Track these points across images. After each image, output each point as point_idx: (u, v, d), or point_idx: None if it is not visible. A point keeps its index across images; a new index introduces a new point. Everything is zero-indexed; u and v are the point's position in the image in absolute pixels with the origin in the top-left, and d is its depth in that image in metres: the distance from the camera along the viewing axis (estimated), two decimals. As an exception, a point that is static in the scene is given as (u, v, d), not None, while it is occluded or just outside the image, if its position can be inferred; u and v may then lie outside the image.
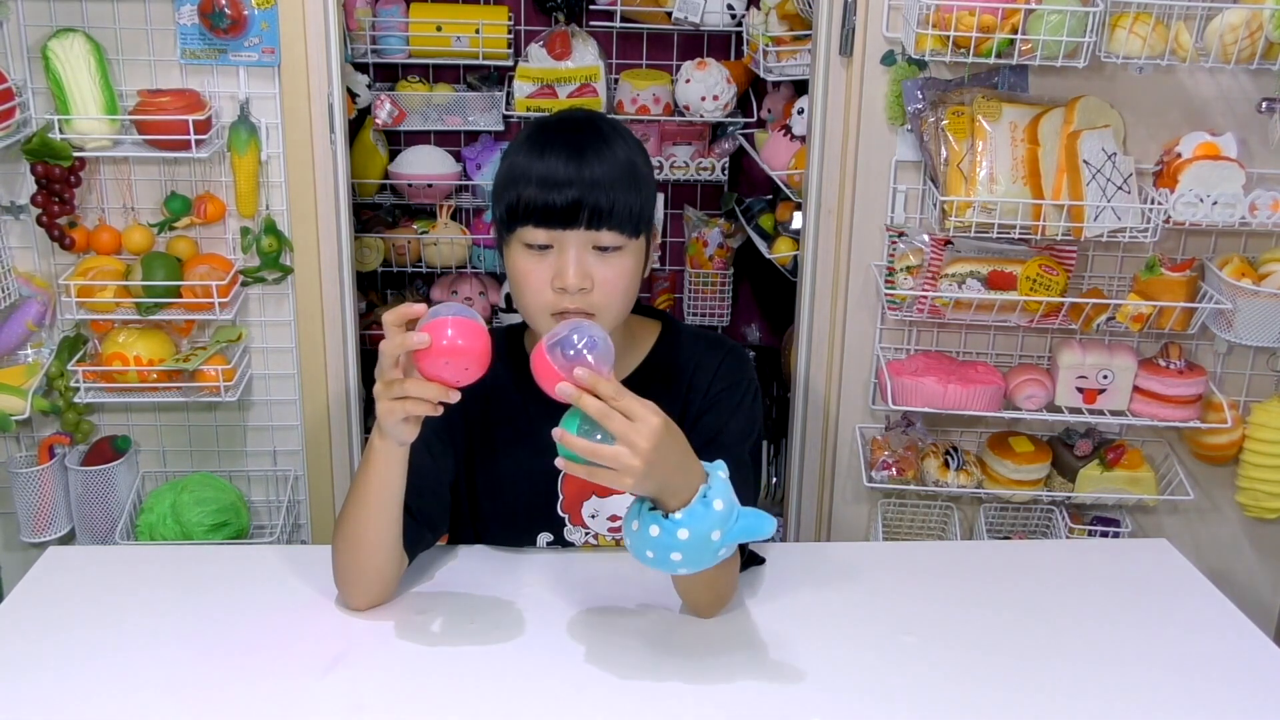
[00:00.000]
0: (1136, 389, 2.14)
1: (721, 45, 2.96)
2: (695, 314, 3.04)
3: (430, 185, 2.84)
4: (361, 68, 2.73)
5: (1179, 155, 2.02)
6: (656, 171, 2.80)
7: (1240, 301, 2.04)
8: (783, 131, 2.58)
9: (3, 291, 2.06)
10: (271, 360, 2.26)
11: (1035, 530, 2.35)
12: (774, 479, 2.80)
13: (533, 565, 1.53)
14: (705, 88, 2.72)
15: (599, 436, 1.19)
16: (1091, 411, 2.15)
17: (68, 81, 2.01)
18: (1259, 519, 2.24)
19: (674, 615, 1.41)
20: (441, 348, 1.22)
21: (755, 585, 1.48)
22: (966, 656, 1.35)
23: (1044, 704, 1.27)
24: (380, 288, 3.03)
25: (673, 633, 1.38)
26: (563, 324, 1.25)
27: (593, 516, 1.57)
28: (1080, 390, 2.14)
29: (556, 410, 1.22)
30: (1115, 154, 1.99)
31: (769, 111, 2.81)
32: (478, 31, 2.72)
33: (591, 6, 2.84)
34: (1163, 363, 2.13)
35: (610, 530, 1.57)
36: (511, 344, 1.57)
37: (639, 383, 1.42)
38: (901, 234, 2.12)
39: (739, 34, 2.85)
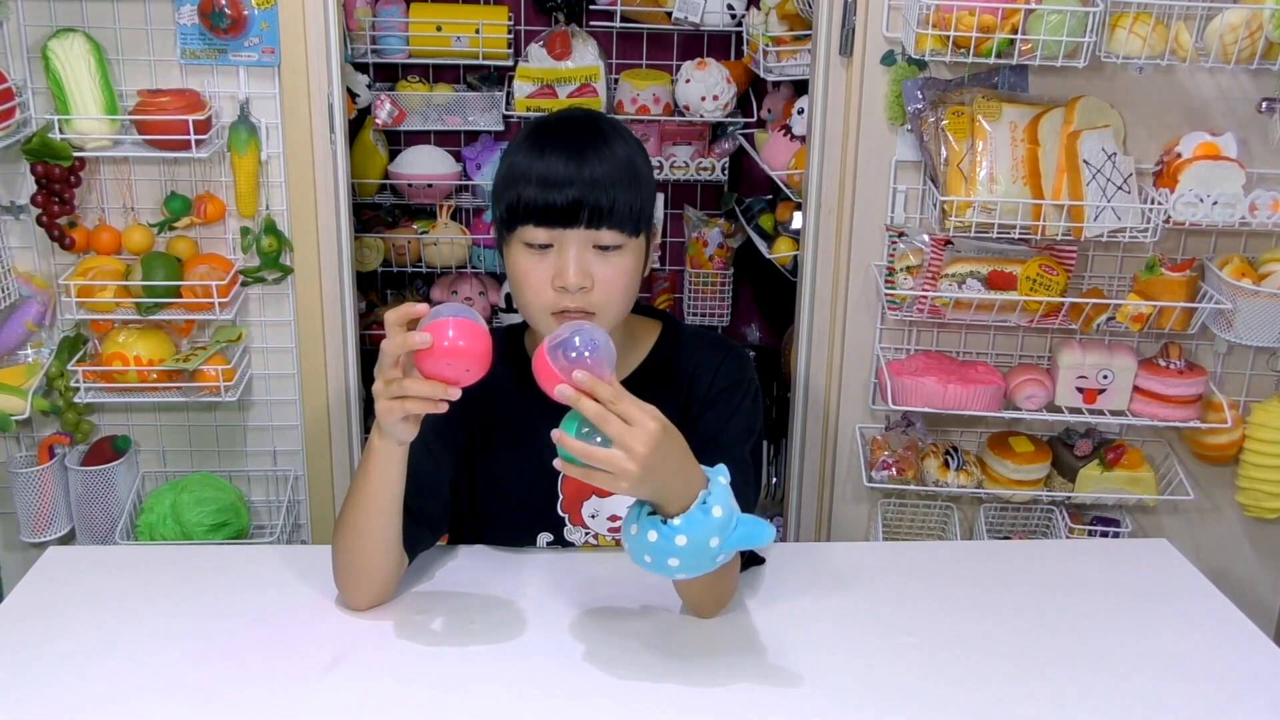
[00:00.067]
0: (1136, 389, 2.14)
1: (721, 45, 2.96)
2: (695, 314, 3.04)
3: (430, 185, 2.84)
4: (361, 68, 2.73)
5: (1179, 155, 2.02)
6: (656, 171, 2.80)
7: (1240, 301, 2.04)
8: (783, 131, 2.58)
9: (3, 291, 2.06)
10: (271, 360, 2.26)
11: (1035, 530, 2.35)
12: (774, 479, 2.80)
13: (533, 565, 1.53)
14: (705, 88, 2.72)
15: (599, 440, 1.19)
16: (1091, 411, 2.15)
17: (68, 81, 2.01)
18: (1259, 519, 2.24)
19: (674, 616, 1.41)
20: (443, 348, 1.22)
21: (755, 585, 1.48)
22: (966, 657, 1.35)
23: (1044, 704, 1.27)
24: (380, 288, 3.03)
25: (673, 633, 1.38)
26: (565, 326, 1.24)
27: (593, 516, 1.57)
28: (1080, 390, 2.14)
29: (556, 410, 1.22)
30: (1115, 154, 1.99)
31: (769, 111, 2.81)
32: (478, 31, 2.72)
33: (591, 6, 2.84)
34: (1163, 363, 2.13)
35: (610, 530, 1.57)
36: (512, 344, 1.57)
37: (639, 383, 1.43)
38: (901, 234, 2.12)
39: (739, 34, 2.85)
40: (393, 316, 1.25)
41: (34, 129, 2.04)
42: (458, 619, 1.41)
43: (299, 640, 1.36)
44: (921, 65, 2.07)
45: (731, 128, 2.89)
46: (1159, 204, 1.99)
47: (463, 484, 1.57)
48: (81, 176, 2.10)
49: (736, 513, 1.24)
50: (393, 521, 1.38)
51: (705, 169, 2.90)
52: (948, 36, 1.92)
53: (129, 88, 2.08)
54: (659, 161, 2.88)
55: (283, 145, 2.14)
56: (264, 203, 2.17)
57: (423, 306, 1.26)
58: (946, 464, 2.20)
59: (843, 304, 2.23)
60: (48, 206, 2.08)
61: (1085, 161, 1.96)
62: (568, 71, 2.71)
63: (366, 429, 2.24)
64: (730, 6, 2.76)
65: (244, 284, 2.19)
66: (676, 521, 1.21)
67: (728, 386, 1.53)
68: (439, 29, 2.73)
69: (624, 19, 2.84)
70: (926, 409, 2.15)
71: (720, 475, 1.25)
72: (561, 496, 1.56)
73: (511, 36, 2.78)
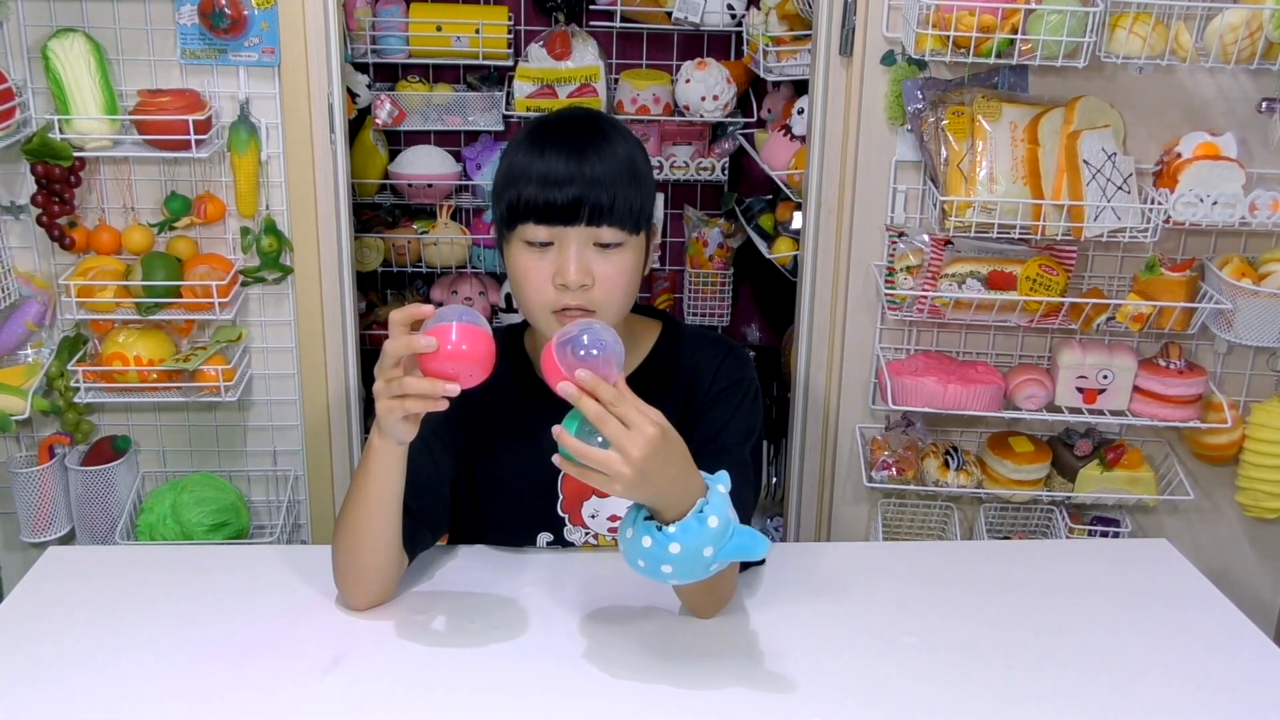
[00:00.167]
0: (1136, 389, 2.14)
1: (721, 45, 2.96)
2: (695, 314, 3.04)
3: (430, 185, 2.84)
4: (361, 68, 2.73)
5: (1179, 155, 2.02)
6: (656, 171, 2.80)
7: (1240, 301, 2.04)
8: (783, 131, 2.58)
9: (3, 291, 2.06)
10: (271, 360, 2.26)
11: (1035, 530, 2.35)
12: (774, 479, 2.80)
13: (533, 565, 1.53)
14: (705, 88, 2.72)
15: (598, 440, 1.19)
16: (1091, 411, 2.15)
17: (68, 81, 2.01)
18: (1259, 519, 2.24)
19: (673, 616, 1.41)
20: (446, 352, 1.22)
21: (755, 586, 1.48)
22: (966, 657, 1.35)
23: (1044, 704, 1.27)
24: (380, 288, 3.03)
25: (672, 633, 1.38)
26: (574, 324, 1.24)
27: (593, 516, 1.57)
28: (1080, 390, 2.14)
29: (556, 410, 1.22)
30: (1115, 154, 1.99)
31: (769, 111, 2.81)
32: (478, 31, 2.72)
33: (591, 6, 2.84)
34: (1163, 363, 2.13)
35: (610, 530, 1.57)
36: (512, 344, 1.57)
37: (639, 382, 1.42)
38: (901, 234, 2.12)
39: (739, 34, 2.85)
40: (397, 316, 1.25)
41: (34, 129, 2.05)
42: (458, 619, 1.41)
43: (299, 640, 1.36)
44: (921, 65, 2.07)
45: (731, 128, 2.89)
46: (1159, 204, 1.99)
47: (463, 484, 1.57)
48: (81, 176, 2.10)
49: (734, 523, 1.23)
50: (392, 521, 1.38)
51: (705, 169, 2.90)
52: (948, 36, 1.92)
53: (129, 88, 2.08)
54: (659, 161, 2.88)
55: (283, 145, 2.14)
56: (264, 203, 2.17)
57: (428, 308, 1.26)
58: (946, 464, 2.20)
59: (843, 304, 2.23)
60: (48, 206, 2.08)
61: (1085, 161, 1.96)
62: (568, 71, 2.71)
63: (366, 429, 2.24)
64: (730, 6, 2.76)
65: (244, 284, 2.19)
66: (672, 529, 1.21)
67: (728, 386, 1.53)
68: (439, 29, 2.73)
69: (624, 19, 2.84)
70: (926, 409, 2.15)
71: (720, 483, 1.25)
72: (561, 496, 1.56)
73: (511, 36, 2.78)
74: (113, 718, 1.22)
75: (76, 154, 2.05)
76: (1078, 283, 2.17)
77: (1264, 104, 2.05)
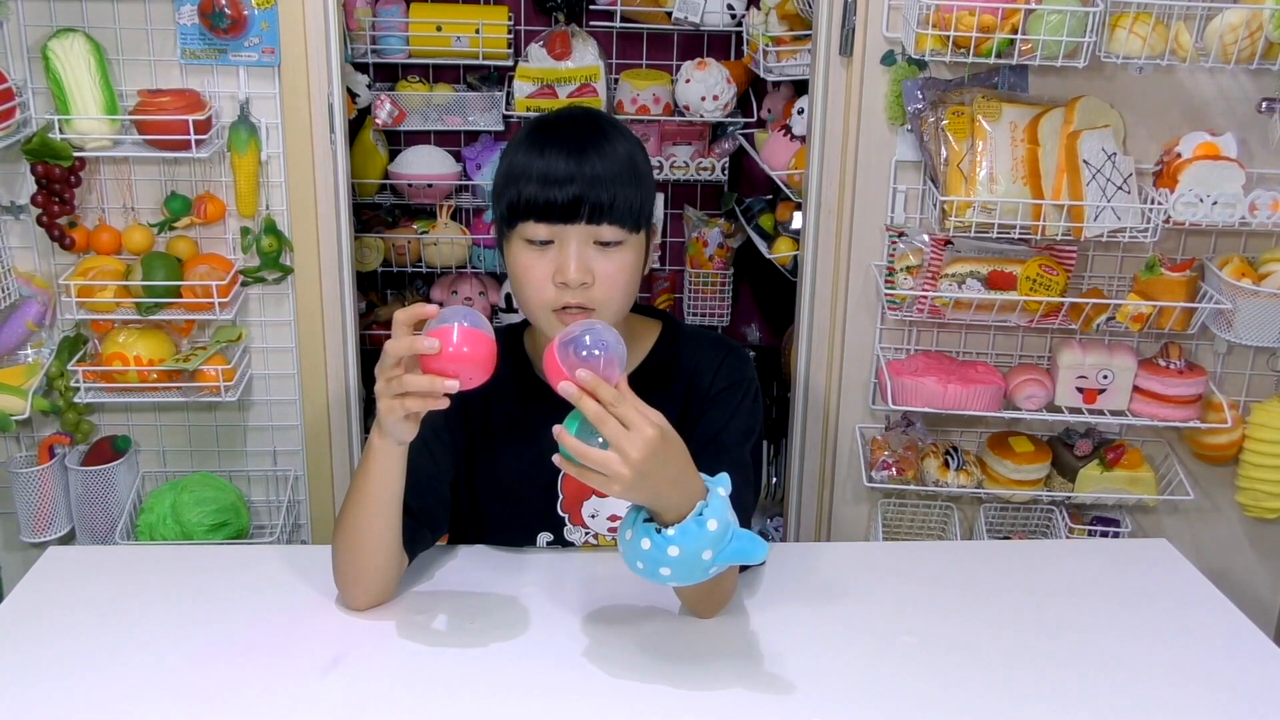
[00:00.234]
0: (1136, 389, 2.14)
1: (721, 45, 2.96)
2: (695, 314, 3.04)
3: (430, 185, 2.84)
4: (361, 68, 2.73)
5: (1179, 155, 2.02)
6: (656, 171, 2.80)
7: (1240, 301, 2.04)
8: (783, 131, 2.58)
9: (3, 291, 2.06)
10: (271, 360, 2.26)
11: (1035, 530, 2.35)
12: (774, 479, 2.80)
13: (533, 565, 1.53)
14: (705, 88, 2.72)
15: (599, 440, 1.19)
16: (1091, 411, 2.15)
17: (68, 81, 2.01)
18: (1259, 519, 2.24)
19: (673, 616, 1.41)
20: (447, 354, 1.22)
21: (755, 585, 1.48)
22: (966, 657, 1.35)
23: (1043, 704, 1.27)
24: (380, 288, 3.03)
25: (672, 633, 1.38)
26: (576, 324, 1.24)
27: (593, 516, 1.57)
28: (1080, 390, 2.14)
29: (557, 410, 1.22)
30: (1115, 154, 1.99)
31: (769, 111, 2.81)
32: (478, 31, 2.72)
33: (591, 6, 2.84)
34: (1163, 363, 2.13)
35: (610, 530, 1.57)
36: (512, 343, 1.57)
37: (639, 382, 1.42)
38: (901, 234, 2.12)
39: (739, 34, 2.85)
40: (402, 316, 1.25)
41: (34, 129, 2.05)
42: (458, 619, 1.41)
43: (299, 640, 1.36)
44: (921, 65, 2.07)
45: (731, 128, 2.89)
46: (1159, 204, 1.99)
47: (463, 484, 1.57)
48: (81, 176, 2.10)
49: (733, 526, 1.23)
50: (392, 521, 1.38)
51: (705, 169, 2.90)
52: (948, 36, 1.92)
53: (129, 88, 2.08)
54: (659, 161, 2.88)
55: (283, 145, 2.14)
56: (264, 203, 2.17)
57: (432, 308, 1.26)
58: (946, 464, 2.20)
59: (843, 304, 2.23)
60: (48, 206, 2.08)
61: (1085, 161, 1.96)
62: (568, 71, 2.71)
63: (366, 429, 2.24)
64: (730, 6, 2.76)
65: (244, 284, 2.19)
66: (671, 532, 1.21)
67: (728, 386, 1.53)
68: (439, 29, 2.73)
69: (624, 19, 2.84)
70: (926, 409, 2.15)
71: (720, 486, 1.25)
72: (561, 496, 1.56)
73: (511, 36, 2.78)
74: (113, 718, 1.22)
75: (76, 154, 2.05)
76: (1078, 283, 2.17)
77: (1264, 104, 2.05)
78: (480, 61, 2.78)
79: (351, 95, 2.58)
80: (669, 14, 2.78)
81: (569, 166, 1.38)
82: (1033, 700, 1.28)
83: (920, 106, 2.07)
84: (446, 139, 2.96)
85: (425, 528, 1.46)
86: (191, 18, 2.05)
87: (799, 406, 2.30)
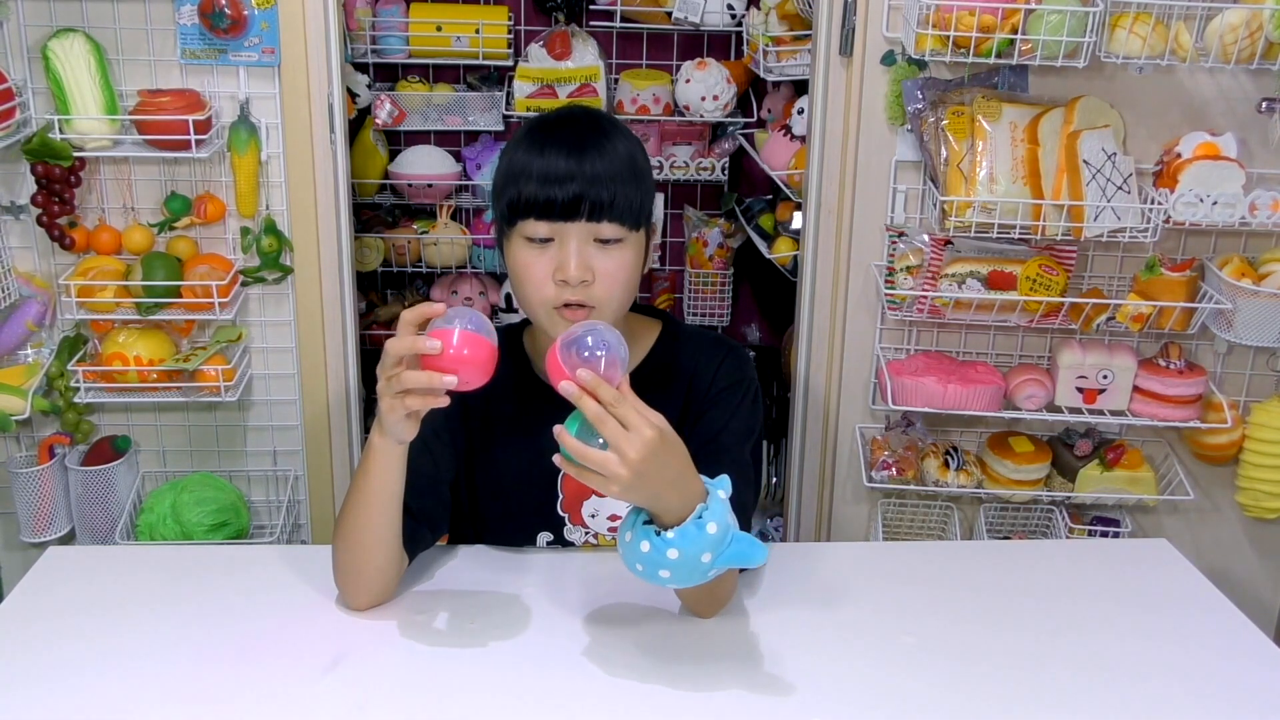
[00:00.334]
0: (1136, 389, 2.14)
1: (721, 45, 2.96)
2: (695, 314, 3.04)
3: (430, 185, 2.84)
4: (361, 68, 2.73)
5: (1179, 155, 2.02)
6: (656, 171, 2.80)
7: (1240, 301, 2.04)
8: (783, 131, 2.58)
9: (3, 291, 2.06)
10: (271, 360, 2.26)
11: (1035, 530, 2.35)
12: (774, 479, 2.80)
13: (533, 565, 1.53)
14: (705, 88, 2.72)
15: (599, 441, 1.19)
16: (1091, 411, 2.15)
17: (68, 81, 2.01)
18: (1259, 519, 2.24)
19: (673, 616, 1.41)
20: (448, 356, 1.22)
21: (755, 585, 1.48)
22: (966, 657, 1.35)
23: (1043, 704, 1.27)
24: (380, 288, 3.03)
25: (672, 633, 1.38)
26: (579, 325, 1.25)
27: (593, 516, 1.57)
28: (1080, 390, 2.14)
29: (557, 410, 1.22)
30: (1115, 154, 1.99)
31: (769, 111, 2.81)
32: (478, 31, 2.72)
33: (591, 6, 2.84)
34: (1163, 363, 2.13)
35: (610, 530, 1.57)
36: (512, 343, 1.57)
37: (639, 382, 1.42)
38: (901, 234, 2.12)
39: (739, 34, 2.85)
40: (408, 316, 1.26)
41: (34, 129, 2.05)
42: (458, 619, 1.41)
43: (299, 640, 1.36)
44: (921, 65, 2.07)
45: (731, 128, 2.89)
46: (1159, 204, 1.99)
47: (463, 484, 1.57)
48: (81, 176, 2.10)
49: (733, 529, 1.23)
50: (392, 521, 1.38)
51: (705, 169, 2.90)
52: (948, 36, 1.92)
53: (129, 88, 2.08)
54: (659, 161, 2.88)
55: (283, 145, 2.14)
56: (264, 203, 2.17)
57: (439, 307, 1.26)
58: (946, 464, 2.20)
59: (843, 304, 2.23)
60: (48, 206, 2.08)
61: (1085, 161, 1.96)
62: (568, 71, 2.71)
63: (366, 429, 2.24)
64: (730, 6, 2.76)
65: (244, 284, 2.19)
66: (670, 534, 1.21)
67: (728, 386, 1.53)
68: (439, 29, 2.73)
69: (624, 19, 2.84)
70: (926, 409, 2.15)
71: (720, 488, 1.25)
72: (561, 496, 1.56)
73: (511, 36, 2.78)
74: (112, 718, 1.22)
75: (76, 154, 2.05)
76: (1078, 283, 2.17)
77: (1264, 104, 2.05)
78: (480, 61, 2.78)
79: (351, 95, 2.58)
80: (669, 14, 2.78)
81: (569, 165, 1.38)
82: (1033, 700, 1.28)
83: (920, 106, 2.07)
84: (446, 139, 2.96)
85: (425, 528, 1.46)
86: (191, 18, 2.05)
87: (799, 406, 2.30)
